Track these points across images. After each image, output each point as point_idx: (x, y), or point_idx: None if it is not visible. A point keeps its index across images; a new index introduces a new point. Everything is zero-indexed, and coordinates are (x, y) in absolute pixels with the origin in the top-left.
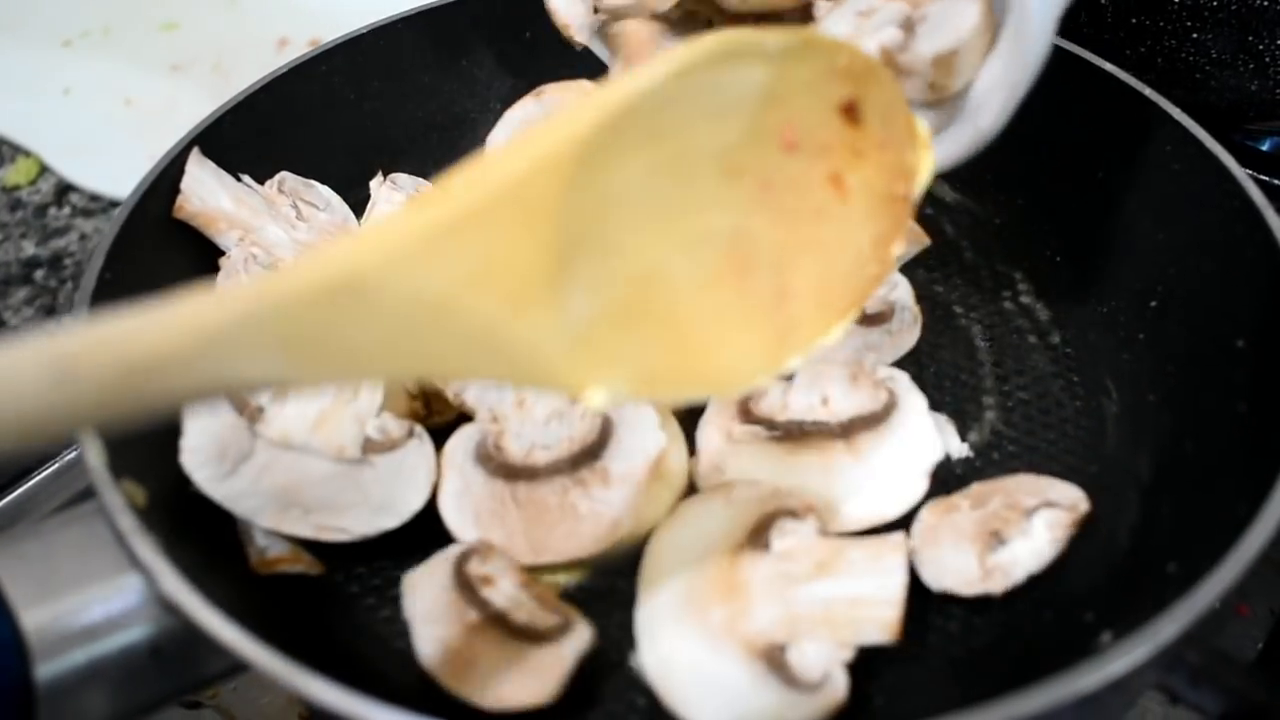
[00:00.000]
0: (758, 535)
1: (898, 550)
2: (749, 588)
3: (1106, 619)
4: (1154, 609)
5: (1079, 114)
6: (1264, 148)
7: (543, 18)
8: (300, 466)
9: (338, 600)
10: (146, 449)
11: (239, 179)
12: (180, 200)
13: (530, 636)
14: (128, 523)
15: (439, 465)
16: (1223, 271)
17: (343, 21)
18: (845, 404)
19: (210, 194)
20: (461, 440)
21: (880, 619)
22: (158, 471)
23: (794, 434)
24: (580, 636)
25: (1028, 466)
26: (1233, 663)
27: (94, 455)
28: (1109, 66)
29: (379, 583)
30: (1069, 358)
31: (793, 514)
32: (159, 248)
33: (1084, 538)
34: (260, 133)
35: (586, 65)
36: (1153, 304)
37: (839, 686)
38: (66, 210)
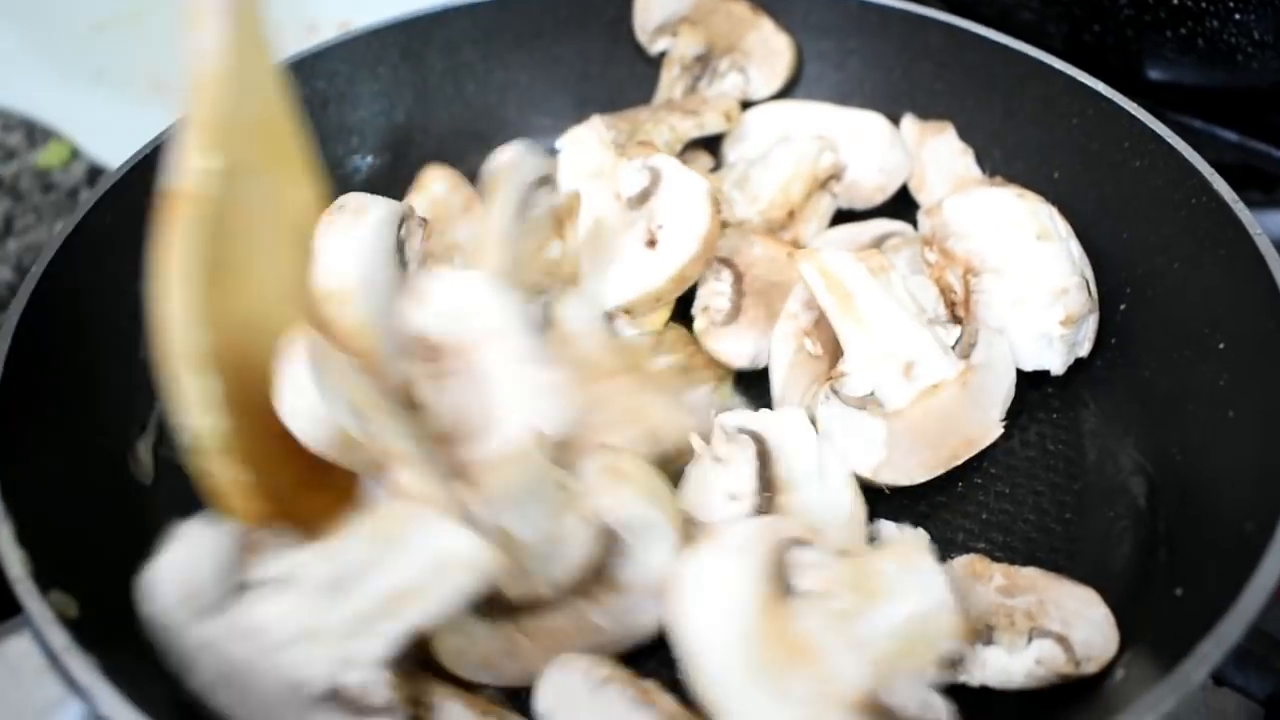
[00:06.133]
0: (780, 580)
1: (924, 551)
2: (812, 642)
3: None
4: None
5: (1030, 112)
6: None
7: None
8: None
9: None
10: (72, 549)
11: None
12: None
13: None
14: (60, 640)
15: None
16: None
17: (370, 7)
18: None
19: None
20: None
21: (945, 626)
22: (87, 574)
23: None
24: None
25: (1011, 488)
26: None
27: (15, 565)
28: (1052, 60)
29: None
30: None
31: (798, 542)
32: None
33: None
34: None
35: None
36: (1122, 307)
37: (940, 711)
38: None
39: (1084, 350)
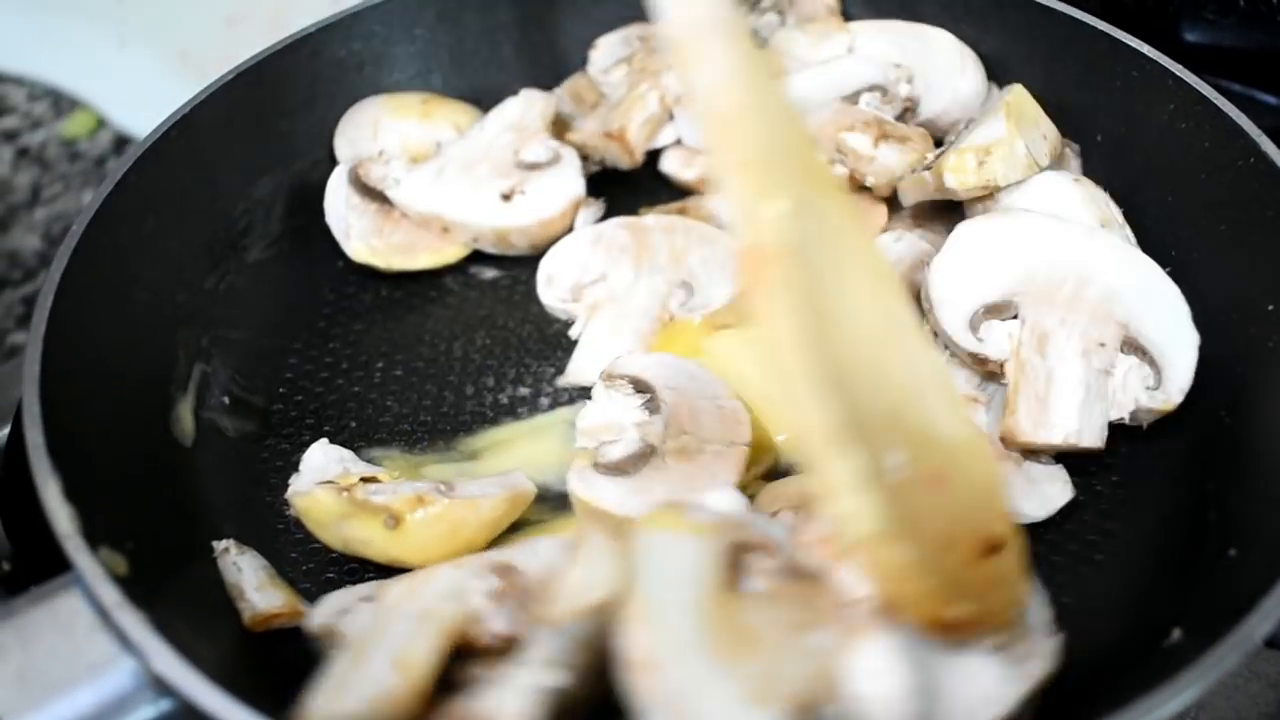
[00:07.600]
0: (734, 572)
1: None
2: (759, 636)
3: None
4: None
5: (1072, 74)
6: None
7: None
8: None
9: None
10: (120, 507)
11: None
12: None
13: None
14: (111, 597)
15: None
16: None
17: None
18: None
19: None
20: None
21: None
22: (135, 531)
23: None
24: None
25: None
26: None
27: (65, 521)
28: (1095, 22)
29: None
30: None
31: (757, 548)
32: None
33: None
34: None
35: None
36: (1167, 270)
37: None
38: None
39: None
